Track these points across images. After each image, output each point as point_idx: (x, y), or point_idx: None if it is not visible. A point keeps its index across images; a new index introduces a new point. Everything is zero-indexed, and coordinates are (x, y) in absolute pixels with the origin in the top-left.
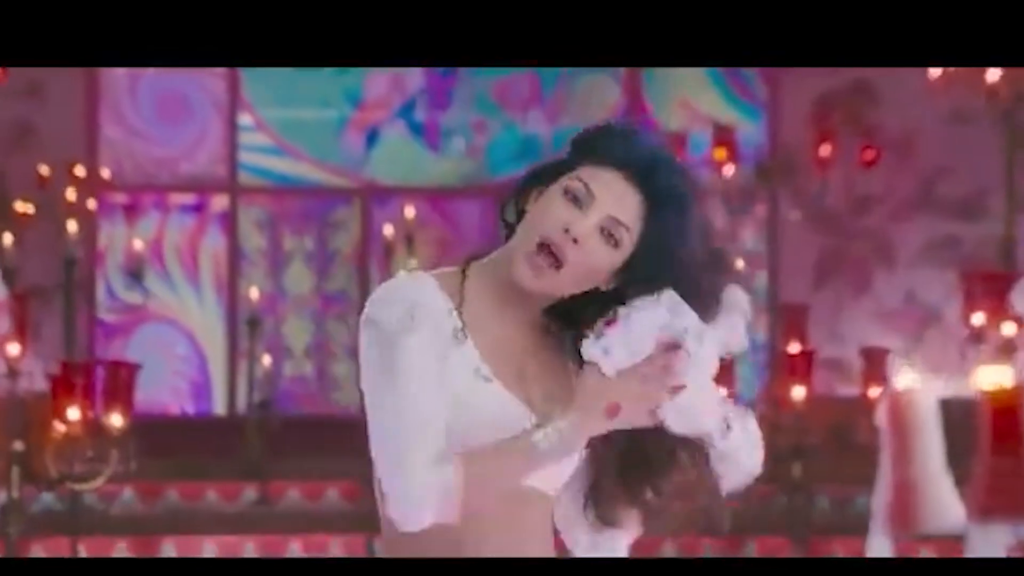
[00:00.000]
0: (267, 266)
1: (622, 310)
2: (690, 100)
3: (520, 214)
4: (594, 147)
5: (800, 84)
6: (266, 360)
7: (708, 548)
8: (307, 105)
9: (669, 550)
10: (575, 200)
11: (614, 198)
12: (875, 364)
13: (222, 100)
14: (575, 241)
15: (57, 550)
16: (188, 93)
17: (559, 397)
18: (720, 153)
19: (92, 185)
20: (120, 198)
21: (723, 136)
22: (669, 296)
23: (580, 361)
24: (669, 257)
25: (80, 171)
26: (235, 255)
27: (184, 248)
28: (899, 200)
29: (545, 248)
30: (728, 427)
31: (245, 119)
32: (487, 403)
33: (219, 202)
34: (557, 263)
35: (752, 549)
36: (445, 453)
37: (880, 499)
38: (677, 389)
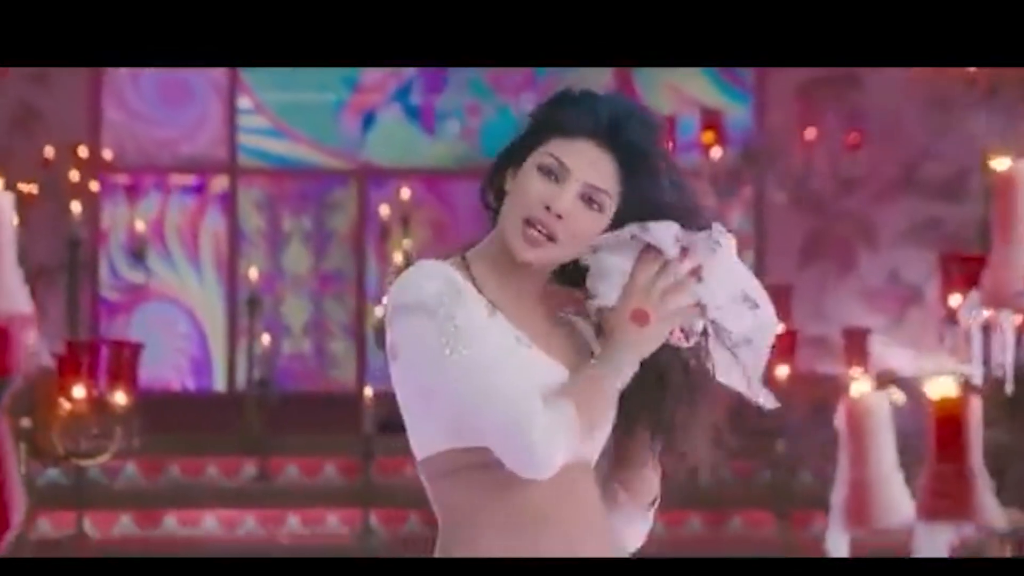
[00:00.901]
0: (266, 246)
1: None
2: (679, 85)
3: (500, 194)
4: (558, 119)
5: (786, 70)
6: (265, 338)
7: (694, 523)
8: (305, 89)
9: (656, 523)
10: (550, 175)
11: (588, 166)
12: (856, 344)
13: (222, 83)
14: (559, 216)
15: (63, 523)
16: (189, 76)
17: (582, 360)
18: (708, 136)
19: (95, 166)
20: (122, 179)
21: (711, 120)
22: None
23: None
24: (651, 208)
25: (83, 152)
26: (235, 235)
27: (185, 228)
28: (882, 182)
29: (532, 224)
30: (756, 305)
31: (244, 102)
32: (533, 368)
33: (219, 183)
34: (549, 236)
35: (737, 522)
36: (548, 394)
37: (838, 496)
38: (695, 272)
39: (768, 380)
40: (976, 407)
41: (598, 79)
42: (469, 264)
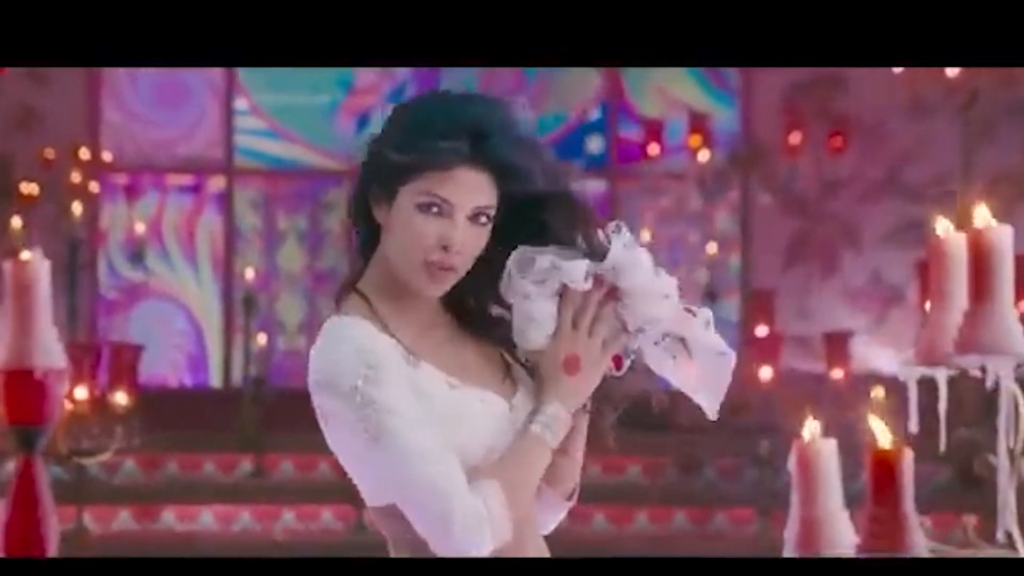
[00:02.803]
0: (261, 245)
1: (512, 287)
2: (667, 88)
3: (368, 220)
4: (426, 154)
5: (772, 74)
6: (261, 336)
7: (679, 520)
8: (300, 91)
9: (642, 519)
10: (436, 212)
11: (470, 193)
12: (837, 346)
13: (219, 85)
14: (458, 252)
15: (63, 518)
16: (186, 78)
17: (499, 370)
18: (695, 140)
19: (94, 167)
20: (121, 179)
21: (698, 123)
22: (541, 252)
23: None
24: (532, 204)
25: (84, 154)
26: (231, 234)
27: (182, 227)
28: (865, 185)
29: (433, 265)
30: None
31: (241, 104)
32: (467, 409)
33: (216, 183)
34: (451, 269)
35: (722, 519)
36: (473, 476)
37: (790, 531)
38: (611, 295)
39: (752, 382)
40: (909, 456)
41: (587, 82)
42: (372, 303)
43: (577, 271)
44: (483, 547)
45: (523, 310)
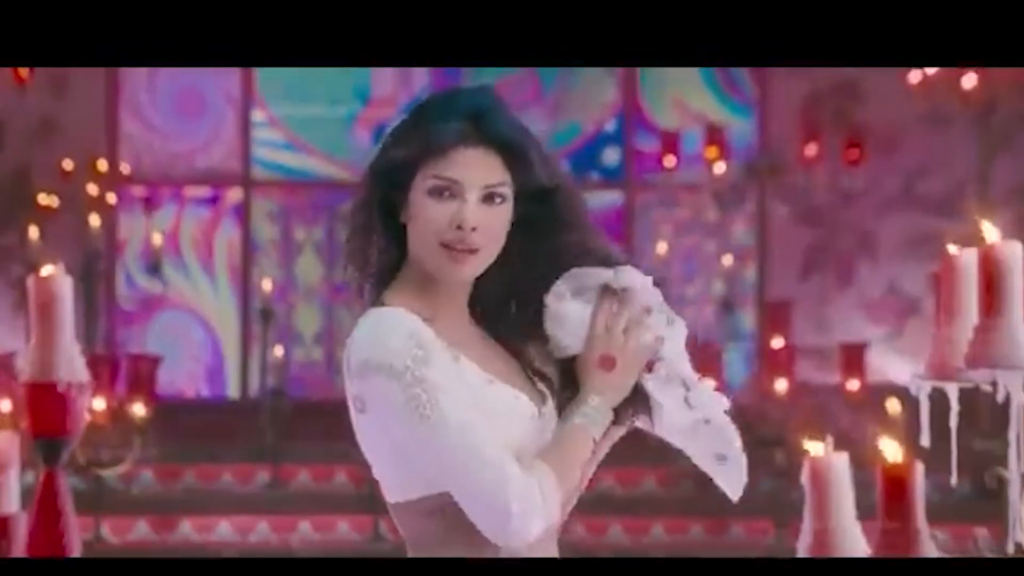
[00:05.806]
0: (279, 256)
1: (557, 288)
2: (683, 99)
3: (392, 228)
4: (425, 139)
5: (788, 84)
6: (278, 347)
7: (696, 531)
8: (318, 102)
9: (658, 530)
10: (448, 195)
11: (476, 171)
12: (852, 358)
13: (236, 97)
14: (473, 229)
15: (81, 529)
16: (204, 90)
17: (527, 378)
18: (712, 151)
19: (112, 179)
20: (139, 191)
21: (714, 135)
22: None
23: (528, 333)
24: (538, 188)
25: (102, 165)
26: (248, 246)
27: (199, 239)
28: (882, 196)
29: (451, 247)
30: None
31: (258, 115)
32: (502, 405)
33: (233, 195)
34: (470, 250)
35: (738, 531)
36: (525, 460)
37: (803, 544)
38: (646, 309)
39: (768, 393)
40: (919, 471)
41: (603, 93)
42: (408, 301)
43: (637, 276)
44: (536, 528)
45: (556, 310)
